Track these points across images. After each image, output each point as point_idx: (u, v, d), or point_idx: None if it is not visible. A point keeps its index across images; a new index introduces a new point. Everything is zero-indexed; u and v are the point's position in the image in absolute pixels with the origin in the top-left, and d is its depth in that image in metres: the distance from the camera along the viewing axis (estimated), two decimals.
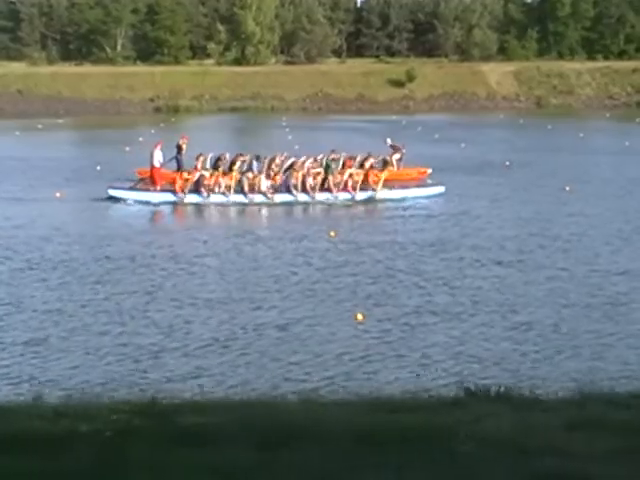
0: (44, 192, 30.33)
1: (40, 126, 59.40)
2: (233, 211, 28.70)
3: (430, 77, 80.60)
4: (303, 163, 29.84)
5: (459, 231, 24.40)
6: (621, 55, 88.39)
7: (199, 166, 29.53)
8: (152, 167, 30.18)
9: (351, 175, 29.86)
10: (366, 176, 30.35)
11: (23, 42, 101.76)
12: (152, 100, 76.71)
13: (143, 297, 17.62)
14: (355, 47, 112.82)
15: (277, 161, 30.00)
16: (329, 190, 29.56)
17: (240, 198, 29.09)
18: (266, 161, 29.91)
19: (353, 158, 30.80)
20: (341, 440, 4.65)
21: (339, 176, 29.81)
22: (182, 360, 14.05)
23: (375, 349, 14.65)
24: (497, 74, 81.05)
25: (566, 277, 19.12)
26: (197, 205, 28.97)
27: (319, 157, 30.39)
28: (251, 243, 23.13)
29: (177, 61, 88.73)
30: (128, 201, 28.76)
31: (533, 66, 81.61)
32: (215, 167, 29.44)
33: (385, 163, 31.33)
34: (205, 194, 29.05)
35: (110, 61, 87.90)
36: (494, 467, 4.06)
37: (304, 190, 29.33)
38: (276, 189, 29.41)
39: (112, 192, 29.01)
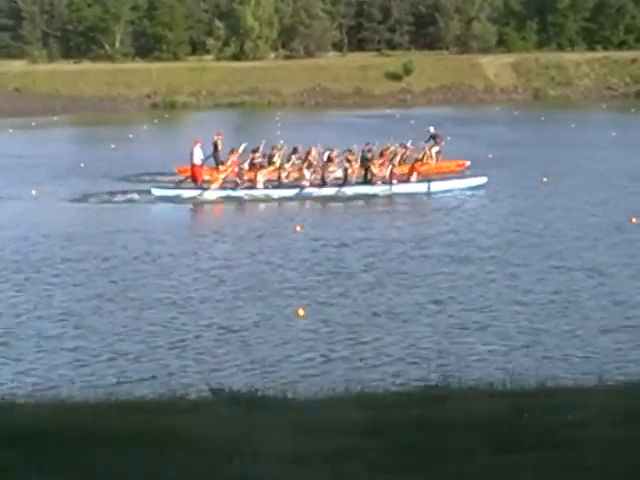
0: (22, 190, 30.41)
1: (34, 124, 59.54)
2: (274, 205, 28.63)
3: (428, 70, 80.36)
4: (343, 155, 29.92)
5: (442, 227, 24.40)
6: (621, 46, 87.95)
7: (234, 160, 29.73)
8: (192, 165, 30.29)
9: (393, 167, 29.87)
10: (408, 168, 30.38)
11: (25, 40, 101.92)
12: (149, 96, 76.79)
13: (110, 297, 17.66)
14: (356, 41, 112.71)
15: (313, 154, 30.09)
16: (370, 182, 29.52)
17: (280, 192, 29.10)
18: (302, 153, 30.06)
19: (389, 150, 30.86)
20: None
21: (381, 168, 29.83)
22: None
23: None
24: (495, 66, 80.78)
25: (520, 273, 19.06)
26: (238, 200, 28.93)
27: (354, 149, 30.47)
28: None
29: (176, 57, 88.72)
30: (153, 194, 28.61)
31: (532, 58, 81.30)
32: (252, 160, 29.59)
33: (424, 155, 31.25)
34: (245, 189, 29.06)
35: (109, 58, 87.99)
36: (190, 472, 4.01)
37: (346, 183, 29.31)
38: (316, 182, 29.41)
39: (155, 191, 28.88)
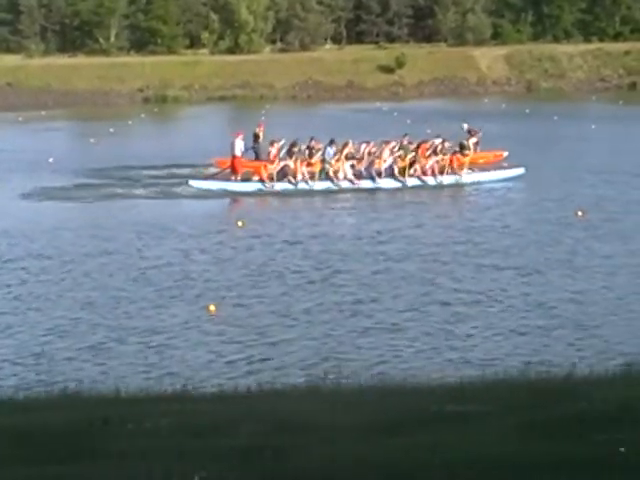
0: None
1: (20, 119, 59.61)
2: (316, 199, 28.61)
3: (420, 63, 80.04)
4: (382, 148, 29.95)
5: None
6: (617, 37, 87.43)
7: (274, 152, 29.81)
8: (233, 156, 30.30)
9: (435, 160, 29.96)
10: (448, 161, 30.45)
11: (23, 34, 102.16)
12: (141, 90, 76.74)
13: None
14: (355, 34, 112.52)
15: (351, 146, 30.11)
16: (411, 175, 29.50)
17: (323, 185, 29.10)
18: (339, 146, 30.06)
19: (428, 142, 30.83)
20: None
21: (422, 160, 29.84)
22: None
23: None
24: (488, 58, 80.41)
25: (448, 272, 19.00)
26: (280, 193, 28.96)
27: (392, 142, 30.50)
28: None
29: (171, 51, 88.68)
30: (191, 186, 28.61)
31: (525, 50, 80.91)
32: (289, 154, 29.65)
33: (462, 147, 31.16)
34: (288, 182, 29.13)
35: (104, 52, 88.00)
36: None
37: (387, 176, 29.33)
38: (358, 175, 29.42)
39: (193, 183, 28.93)
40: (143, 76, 77.91)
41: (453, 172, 30.27)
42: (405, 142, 30.62)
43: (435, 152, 30.33)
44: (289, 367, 13.30)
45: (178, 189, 29.00)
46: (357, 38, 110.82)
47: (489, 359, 13.57)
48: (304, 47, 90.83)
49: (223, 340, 14.75)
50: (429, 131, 36.30)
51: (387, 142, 30.44)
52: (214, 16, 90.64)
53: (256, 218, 25.50)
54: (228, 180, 29.74)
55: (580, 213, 24.39)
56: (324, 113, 60.99)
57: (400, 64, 78.73)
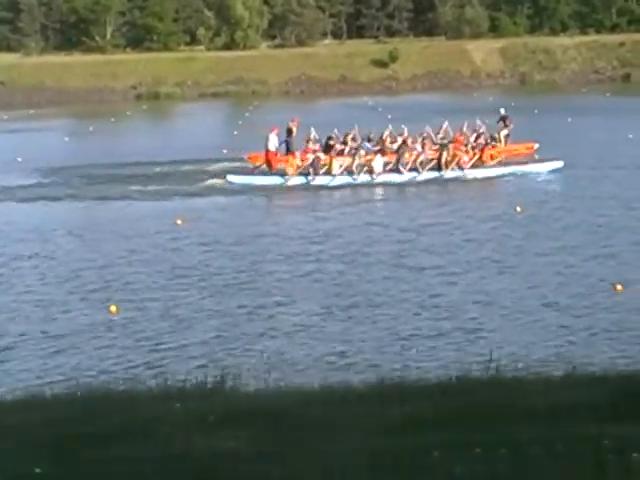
0: None
1: (6, 117, 59.84)
2: (349, 191, 28.52)
3: (414, 57, 79.87)
4: (415, 141, 29.95)
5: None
6: (614, 29, 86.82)
7: (310, 146, 29.86)
8: (267, 151, 30.37)
9: (467, 152, 29.82)
10: (481, 153, 30.31)
11: (23, 33, 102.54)
12: (134, 88, 76.94)
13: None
14: (356, 28, 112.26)
15: (386, 139, 30.08)
16: (444, 168, 29.35)
17: (360, 178, 29.06)
18: (375, 139, 30.20)
19: (463, 134, 30.74)
20: None
21: (457, 153, 29.69)
22: None
23: None
24: (483, 52, 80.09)
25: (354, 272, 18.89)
26: (313, 187, 28.98)
27: (425, 134, 30.51)
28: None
29: (167, 48, 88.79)
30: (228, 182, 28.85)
31: (520, 42, 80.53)
32: (326, 147, 29.64)
33: (493, 139, 31.02)
34: (320, 175, 29.09)
35: (100, 49, 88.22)
36: None
37: (420, 168, 29.21)
38: (391, 168, 29.36)
39: (230, 178, 29.11)
40: (137, 73, 78.12)
41: (487, 165, 30.09)
42: (440, 134, 30.59)
43: (470, 144, 30.27)
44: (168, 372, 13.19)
45: (133, 188, 29.08)
46: (358, 33, 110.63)
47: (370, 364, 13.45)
48: (300, 42, 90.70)
49: (112, 344, 14.71)
50: (403, 126, 36.15)
51: (422, 134, 30.46)
52: (209, 12, 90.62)
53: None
54: (264, 174, 29.92)
55: (519, 209, 24.23)
56: (311, 108, 60.79)
57: (394, 58, 78.56)
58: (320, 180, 29.14)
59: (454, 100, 64.10)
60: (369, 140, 30.48)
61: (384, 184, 28.96)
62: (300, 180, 29.29)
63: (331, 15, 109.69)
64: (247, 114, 56.66)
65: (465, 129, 31.67)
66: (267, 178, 29.66)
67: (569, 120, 45.30)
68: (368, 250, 20.40)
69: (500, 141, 31.66)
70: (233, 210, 26.15)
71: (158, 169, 32.93)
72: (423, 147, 29.72)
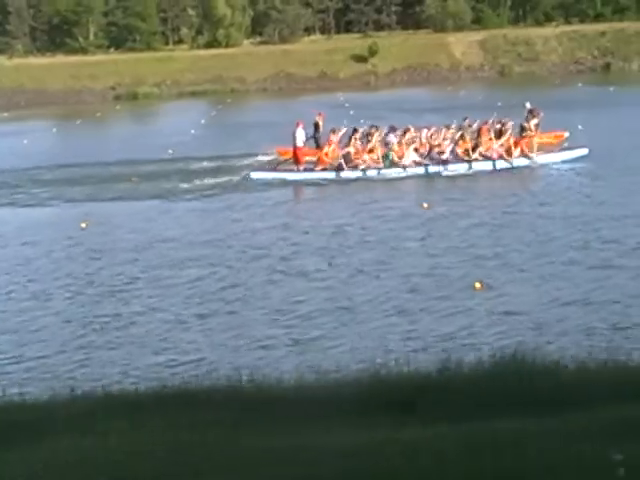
0: None
1: None
2: (380, 185, 28.31)
3: (394, 51, 79.44)
4: (445, 132, 29.78)
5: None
6: (598, 18, 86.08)
7: (335, 140, 29.74)
8: (295, 147, 30.20)
9: (498, 143, 29.67)
10: (511, 143, 30.11)
11: (12, 35, 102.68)
12: (113, 88, 76.86)
13: None
14: (344, 23, 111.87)
15: (412, 132, 29.90)
16: (475, 159, 29.20)
17: (389, 171, 28.90)
18: (400, 132, 29.89)
19: (489, 125, 30.49)
20: None
21: (485, 143, 29.57)
22: None
23: None
24: (463, 45, 79.60)
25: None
26: (343, 181, 28.79)
27: (453, 125, 30.32)
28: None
29: (150, 47, 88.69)
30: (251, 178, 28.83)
31: (500, 35, 79.98)
32: (351, 141, 29.45)
33: (523, 129, 30.74)
34: (350, 170, 28.92)
35: (83, 50, 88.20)
36: None
37: (449, 160, 29.07)
38: (421, 160, 29.22)
39: (254, 175, 29.08)
40: (116, 74, 78.06)
41: (516, 155, 29.77)
42: (466, 125, 30.38)
43: (497, 135, 29.98)
44: None
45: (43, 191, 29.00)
46: (346, 28, 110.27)
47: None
48: (283, 39, 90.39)
49: None
50: (362, 121, 35.84)
51: (448, 126, 30.24)
52: (192, 11, 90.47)
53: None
54: (290, 170, 29.80)
55: (425, 205, 23.97)
56: (283, 105, 60.66)
57: (373, 53, 78.17)
58: (348, 174, 28.92)
59: (431, 96, 63.69)
60: (394, 130, 30.14)
61: (414, 177, 28.72)
62: (328, 175, 29.13)
63: (319, 11, 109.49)
64: (214, 113, 56.50)
65: (492, 120, 31.22)
66: (291, 174, 29.52)
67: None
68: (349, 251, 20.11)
69: (530, 130, 31.26)
70: (142, 215, 25.91)
71: (78, 171, 32.81)
72: (453, 138, 29.59)
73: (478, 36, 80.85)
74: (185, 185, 29.30)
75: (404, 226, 22.38)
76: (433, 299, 15.93)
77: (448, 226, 21.92)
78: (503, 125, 30.28)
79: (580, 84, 60.39)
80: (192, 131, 45.36)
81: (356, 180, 28.68)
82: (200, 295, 17.09)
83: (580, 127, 37.28)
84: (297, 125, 30.47)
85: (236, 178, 29.94)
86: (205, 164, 33.46)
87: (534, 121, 31.88)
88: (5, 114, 64.74)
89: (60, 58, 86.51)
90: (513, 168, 29.36)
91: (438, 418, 6.32)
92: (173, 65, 79.84)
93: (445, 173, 28.78)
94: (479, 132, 29.84)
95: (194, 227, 23.58)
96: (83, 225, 23.70)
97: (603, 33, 77.00)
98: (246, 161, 32.71)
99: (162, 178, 30.87)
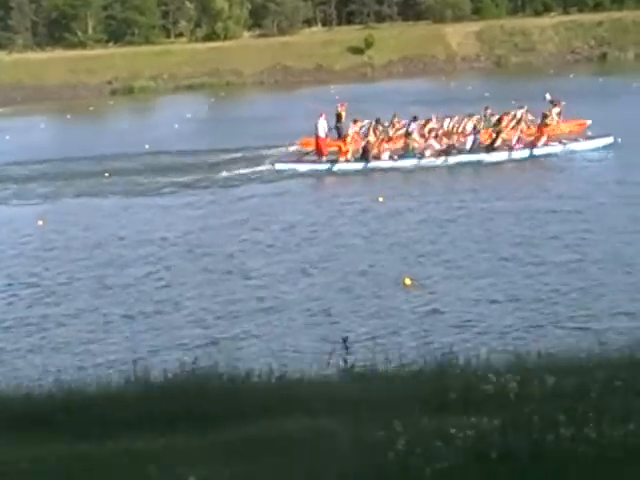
0: None
1: None
2: (400, 175, 28.38)
3: (391, 42, 79.13)
4: (464, 122, 29.87)
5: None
6: (597, 7, 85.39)
7: (356, 130, 29.94)
8: (317, 137, 30.40)
9: (520, 131, 29.79)
10: (532, 132, 30.28)
11: (14, 30, 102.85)
12: (110, 82, 76.89)
13: None
14: (346, 14, 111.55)
15: (434, 122, 30.07)
16: (496, 149, 29.33)
17: (410, 162, 29.02)
18: (421, 123, 30.07)
19: (510, 114, 30.61)
20: None
21: (507, 132, 29.68)
22: None
23: None
24: (460, 35, 79.17)
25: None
26: (365, 172, 28.97)
27: (475, 116, 30.39)
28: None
29: (149, 41, 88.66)
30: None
31: (497, 25, 79.50)
32: (373, 131, 29.66)
33: (545, 117, 30.79)
34: (372, 160, 29.10)
35: (82, 45, 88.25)
36: None
37: (473, 150, 29.20)
38: (443, 150, 29.32)
39: (278, 166, 29.29)
40: (114, 68, 78.03)
41: (538, 143, 29.85)
42: (487, 114, 30.48)
43: (519, 123, 30.06)
44: None
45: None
46: (347, 19, 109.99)
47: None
48: (282, 31, 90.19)
49: None
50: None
51: (470, 116, 30.31)
52: (190, 4, 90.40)
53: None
54: (313, 161, 30.04)
55: (381, 199, 23.93)
56: (276, 98, 60.76)
57: (369, 45, 77.92)
58: (371, 165, 29.05)
59: (424, 88, 63.39)
60: (416, 121, 30.16)
61: (435, 167, 28.78)
62: (351, 166, 29.26)
63: (321, 2, 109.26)
64: (203, 107, 56.49)
65: (514, 110, 31.24)
66: (314, 165, 29.71)
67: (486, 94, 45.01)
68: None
69: (552, 119, 31.19)
70: (102, 212, 25.91)
71: (50, 167, 32.97)
72: (474, 128, 29.63)
73: (475, 27, 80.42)
74: (152, 181, 29.40)
75: (358, 221, 22.36)
76: (358, 297, 15.92)
77: (399, 221, 21.88)
78: (525, 114, 30.33)
79: (572, 75, 59.97)
80: (175, 125, 45.37)
81: (375, 170, 28.77)
82: (135, 295, 17.15)
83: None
84: (319, 116, 30.57)
85: (204, 175, 29.99)
86: (176, 159, 33.55)
87: (556, 110, 31.82)
88: (0, 110, 64.82)
89: (59, 53, 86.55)
90: (535, 157, 29.38)
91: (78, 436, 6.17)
92: (170, 58, 79.75)
93: (465, 163, 28.82)
94: (500, 121, 29.90)
95: (151, 225, 23.65)
96: (40, 223, 23.79)
97: (600, 22, 76.41)
98: (215, 158, 32.71)
99: (133, 174, 30.98)
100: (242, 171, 30.07)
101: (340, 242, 20.21)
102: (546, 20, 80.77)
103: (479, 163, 28.78)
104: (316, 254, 19.27)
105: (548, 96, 33.44)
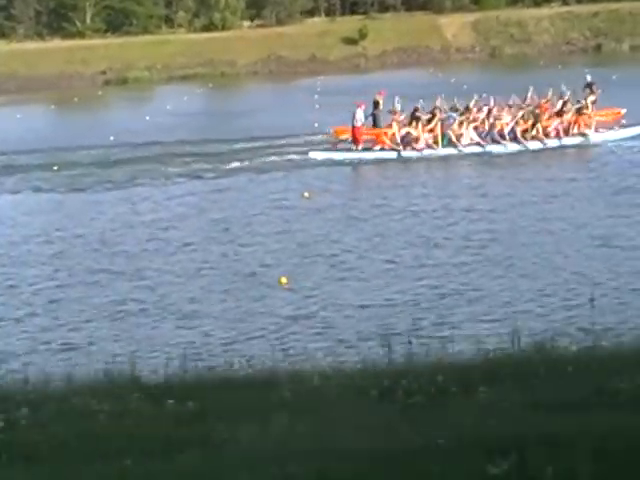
0: None
1: None
2: (439, 165, 28.56)
3: (386, 33, 78.75)
4: (503, 110, 29.94)
5: None
6: None
7: (394, 119, 29.91)
8: (354, 127, 30.43)
9: (559, 121, 29.90)
10: (571, 121, 30.33)
11: (17, 20, 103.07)
12: (104, 73, 76.94)
13: None
14: (349, 5, 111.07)
15: (473, 110, 30.10)
16: (535, 137, 29.43)
17: (447, 151, 29.13)
18: (462, 111, 30.13)
19: (550, 102, 30.67)
20: None
21: (545, 121, 29.77)
22: None
23: None
24: (456, 26, 78.69)
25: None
26: (401, 161, 29.12)
27: (513, 104, 30.44)
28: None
29: (147, 31, 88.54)
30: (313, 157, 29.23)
31: (493, 16, 78.88)
32: (412, 120, 29.75)
33: (581, 107, 30.82)
34: (410, 149, 29.23)
35: (80, 35, 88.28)
36: None
37: (510, 138, 29.26)
38: (481, 139, 29.38)
39: (313, 154, 29.49)
40: (108, 58, 78.04)
41: (576, 132, 30.01)
42: (526, 103, 30.50)
43: (557, 113, 30.16)
44: None
45: None
46: (351, 9, 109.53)
47: None
48: (280, 22, 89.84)
49: None
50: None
51: (509, 104, 30.33)
52: None
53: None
54: (349, 150, 30.08)
55: (306, 194, 23.79)
56: (264, 89, 60.71)
57: (363, 35, 77.58)
58: (409, 154, 29.12)
59: (415, 79, 62.99)
60: (455, 110, 30.21)
61: (473, 155, 28.83)
62: (387, 155, 29.35)
63: None
64: (186, 98, 56.35)
65: (550, 95, 31.19)
66: (349, 153, 29.80)
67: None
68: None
69: (587, 107, 31.02)
70: (25, 207, 25.84)
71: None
72: (513, 117, 29.66)
73: (471, 18, 79.85)
74: (99, 175, 29.38)
75: (278, 217, 22.24)
76: (232, 297, 15.85)
77: (316, 219, 21.73)
78: (564, 103, 30.29)
79: (560, 66, 59.43)
80: (147, 118, 45.29)
81: (415, 160, 28.80)
82: (27, 296, 17.09)
83: None
84: (358, 106, 30.52)
85: (155, 167, 29.97)
86: (134, 152, 33.47)
87: (591, 98, 31.60)
88: None
89: (57, 43, 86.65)
90: (570, 146, 29.48)
91: None
92: (166, 49, 79.65)
93: (503, 152, 28.85)
94: (539, 110, 29.84)
95: (74, 221, 23.61)
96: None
97: (596, 13, 75.71)
98: (174, 151, 32.69)
99: (81, 167, 30.95)
100: (195, 166, 30.01)
101: (244, 242, 20.09)
102: (543, 11, 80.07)
103: (516, 152, 28.90)
104: (216, 253, 19.20)
105: (589, 77, 33.08)
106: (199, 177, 28.51)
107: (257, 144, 33.21)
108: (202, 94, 61.08)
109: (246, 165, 29.57)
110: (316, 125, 36.11)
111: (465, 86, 49.52)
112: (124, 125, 42.65)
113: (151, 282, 17.39)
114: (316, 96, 50.09)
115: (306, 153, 29.79)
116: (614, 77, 47.27)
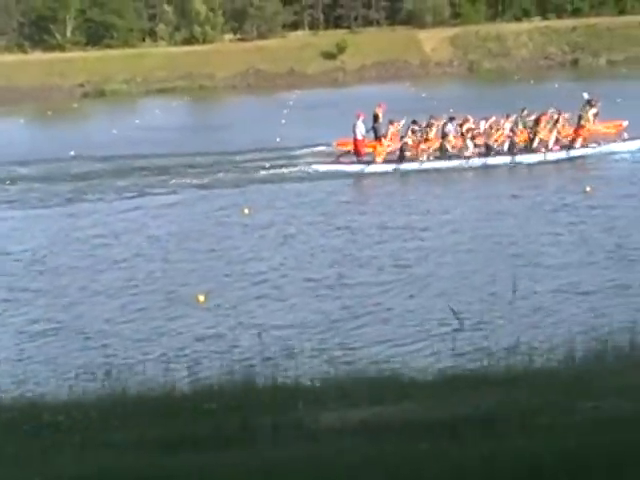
0: None
1: None
2: (438, 176, 28.48)
3: (365, 47, 78.76)
4: (501, 123, 29.90)
5: None
6: (576, 13, 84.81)
7: (392, 131, 30.11)
8: (355, 139, 30.50)
9: (556, 133, 29.88)
10: (569, 133, 30.37)
11: (1, 32, 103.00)
12: (82, 85, 76.83)
13: None
14: (333, 18, 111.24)
15: (471, 123, 30.06)
16: (534, 150, 29.45)
17: (445, 163, 29.12)
18: (458, 123, 30.10)
19: (547, 115, 30.57)
20: None
21: (543, 134, 29.74)
22: None
23: None
24: (435, 40, 78.79)
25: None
26: (401, 173, 29.14)
27: (512, 117, 30.40)
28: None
29: (128, 44, 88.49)
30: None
31: (472, 30, 78.99)
32: (410, 132, 29.76)
33: (581, 119, 30.75)
34: (408, 161, 29.24)
35: (60, 47, 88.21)
36: None
37: (509, 151, 29.26)
38: (479, 151, 29.41)
39: (316, 167, 29.51)
40: (88, 71, 77.94)
41: (574, 145, 29.99)
42: (524, 115, 30.50)
43: (555, 125, 30.09)
44: None
45: None
46: (335, 23, 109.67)
47: None
48: (262, 36, 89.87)
49: None
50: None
51: (507, 116, 30.31)
52: (168, 8, 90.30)
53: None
54: (351, 162, 30.15)
55: (246, 211, 23.67)
56: (239, 103, 60.65)
57: (341, 49, 77.63)
58: (408, 166, 29.13)
59: (394, 93, 62.98)
60: (452, 119, 30.21)
61: (475, 168, 28.84)
62: (388, 167, 29.38)
63: (309, 6, 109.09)
64: (162, 111, 56.28)
65: (550, 111, 31.11)
66: (352, 166, 29.83)
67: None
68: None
69: (588, 120, 30.90)
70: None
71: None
72: (509, 128, 29.70)
73: (451, 32, 79.95)
74: (47, 189, 29.21)
75: (215, 234, 22.08)
76: (146, 316, 15.69)
77: (251, 236, 21.56)
78: (561, 115, 30.29)
79: (532, 81, 59.48)
80: (114, 131, 45.15)
81: (412, 172, 28.82)
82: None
83: None
84: (358, 117, 30.59)
85: (103, 181, 29.83)
86: (91, 166, 33.37)
87: (592, 111, 31.51)
88: None
89: (38, 55, 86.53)
90: (571, 158, 29.44)
91: None
92: (146, 62, 79.59)
93: (501, 164, 28.85)
94: (537, 122, 29.85)
95: (10, 239, 23.39)
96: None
97: (574, 28, 75.87)
98: (131, 165, 32.60)
99: (33, 181, 30.80)
100: (146, 181, 29.89)
101: (178, 257, 19.93)
102: (523, 26, 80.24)
103: (515, 164, 28.89)
104: (141, 271, 19.01)
105: (586, 95, 33.05)
106: (148, 193, 28.31)
107: (214, 159, 33.08)
108: (176, 107, 61.05)
109: (197, 180, 29.41)
110: (278, 140, 36.02)
111: (435, 102, 49.69)
112: (89, 139, 42.54)
113: (69, 300, 17.20)
114: (285, 111, 49.98)
115: (262, 168, 29.76)
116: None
